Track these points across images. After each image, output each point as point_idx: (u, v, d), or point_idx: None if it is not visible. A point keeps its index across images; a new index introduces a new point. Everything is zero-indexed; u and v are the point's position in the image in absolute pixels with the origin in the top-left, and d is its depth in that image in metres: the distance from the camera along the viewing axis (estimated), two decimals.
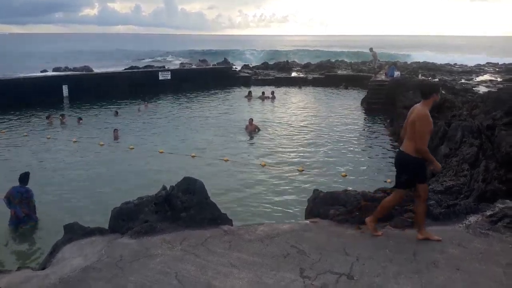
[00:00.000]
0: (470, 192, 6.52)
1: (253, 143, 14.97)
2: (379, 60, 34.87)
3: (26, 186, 8.29)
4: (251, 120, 16.58)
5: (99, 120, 18.75)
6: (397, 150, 5.10)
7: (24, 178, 8.30)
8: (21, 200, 8.16)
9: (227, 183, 10.64)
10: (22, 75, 27.44)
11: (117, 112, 19.48)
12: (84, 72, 32.20)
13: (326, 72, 34.02)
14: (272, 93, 24.84)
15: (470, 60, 45.90)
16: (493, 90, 17.40)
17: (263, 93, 24.84)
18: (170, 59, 66.25)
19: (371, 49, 29.90)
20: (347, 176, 11.19)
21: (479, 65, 41.35)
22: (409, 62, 40.67)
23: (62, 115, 18.22)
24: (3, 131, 16.11)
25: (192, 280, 4.12)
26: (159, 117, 19.48)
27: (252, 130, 16.27)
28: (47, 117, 18.03)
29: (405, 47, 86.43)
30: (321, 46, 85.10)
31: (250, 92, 25.24)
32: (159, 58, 67.72)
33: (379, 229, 5.20)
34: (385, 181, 10.46)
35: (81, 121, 17.68)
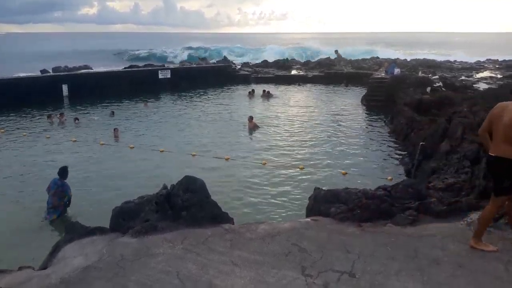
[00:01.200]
0: (471, 189, 6.50)
1: (253, 142, 14.95)
2: (341, 62, 35.76)
3: (64, 181, 8.74)
4: (250, 117, 16.59)
5: (98, 119, 18.68)
6: (490, 156, 4.46)
7: (62, 172, 8.75)
8: (55, 192, 8.58)
9: (227, 181, 10.62)
10: (21, 74, 27.41)
11: (113, 112, 19.29)
12: (83, 71, 32.17)
13: (326, 69, 34.01)
14: (268, 92, 24.98)
15: (470, 57, 45.95)
16: (493, 86, 17.42)
17: (264, 91, 24.94)
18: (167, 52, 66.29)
19: (336, 51, 30.14)
20: (348, 174, 11.18)
21: (479, 61, 41.37)
22: (409, 60, 40.68)
23: (61, 114, 18.19)
24: (2, 131, 16.08)
25: (193, 279, 4.11)
26: (159, 116, 19.46)
27: (252, 127, 16.28)
28: (48, 117, 18.01)
29: (401, 45, 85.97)
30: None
31: (253, 90, 25.33)
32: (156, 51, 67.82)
33: (380, 226, 5.19)
34: (386, 178, 10.46)
35: (77, 121, 17.54)
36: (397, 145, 14.10)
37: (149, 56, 63.21)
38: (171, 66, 37.12)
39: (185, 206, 5.51)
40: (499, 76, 26.71)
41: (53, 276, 4.28)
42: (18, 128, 16.74)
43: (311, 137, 15.35)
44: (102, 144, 14.19)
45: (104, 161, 12.45)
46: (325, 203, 5.89)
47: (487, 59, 43.45)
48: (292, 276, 4.12)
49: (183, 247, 4.77)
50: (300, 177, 11.02)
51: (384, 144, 14.48)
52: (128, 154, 13.28)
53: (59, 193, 8.60)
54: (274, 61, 42.53)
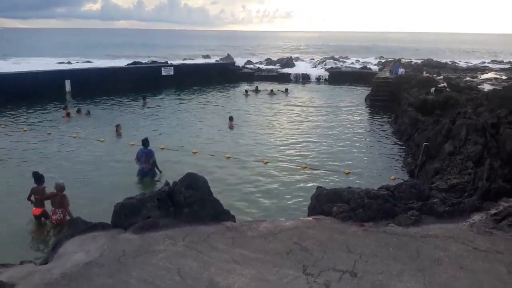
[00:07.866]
0: (474, 190, 6.49)
1: (255, 140, 14.91)
2: None
3: (149, 148, 10.76)
4: (231, 117, 16.88)
5: (100, 116, 18.62)
6: None
7: (146, 142, 10.79)
8: (146, 159, 10.59)
9: (229, 179, 10.62)
10: (24, 69, 27.43)
11: (89, 112, 18.86)
12: (86, 67, 32.19)
13: (330, 69, 33.95)
14: (272, 90, 25.14)
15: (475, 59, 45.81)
16: (498, 88, 17.30)
17: (271, 90, 25.10)
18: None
19: None
20: (350, 173, 11.16)
21: (484, 62, 41.21)
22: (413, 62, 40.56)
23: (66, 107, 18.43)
24: (2, 126, 16.09)
25: (194, 276, 4.11)
26: (161, 113, 19.44)
27: (230, 127, 16.52)
28: (64, 108, 18.49)
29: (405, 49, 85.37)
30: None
31: (257, 88, 25.62)
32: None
33: (383, 226, 5.17)
34: (389, 178, 10.43)
35: (63, 117, 17.60)
36: (401, 145, 14.05)
37: None
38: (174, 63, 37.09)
39: (187, 203, 5.50)
40: (504, 77, 26.55)
41: (55, 271, 4.29)
42: (20, 123, 16.78)
43: (313, 136, 15.32)
44: (103, 141, 14.18)
45: (105, 158, 12.43)
46: (327, 202, 5.87)
47: (492, 60, 43.33)
48: (293, 275, 4.11)
49: (184, 244, 4.76)
50: (302, 176, 11.00)
51: (388, 144, 14.43)
52: (128, 151, 13.23)
53: (149, 158, 10.55)
54: (278, 59, 42.49)
